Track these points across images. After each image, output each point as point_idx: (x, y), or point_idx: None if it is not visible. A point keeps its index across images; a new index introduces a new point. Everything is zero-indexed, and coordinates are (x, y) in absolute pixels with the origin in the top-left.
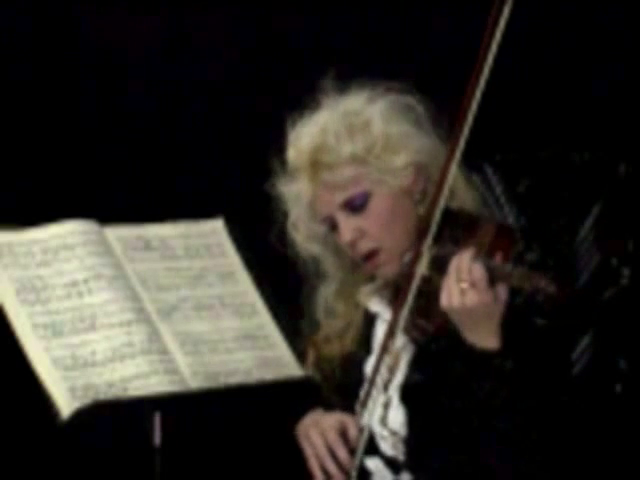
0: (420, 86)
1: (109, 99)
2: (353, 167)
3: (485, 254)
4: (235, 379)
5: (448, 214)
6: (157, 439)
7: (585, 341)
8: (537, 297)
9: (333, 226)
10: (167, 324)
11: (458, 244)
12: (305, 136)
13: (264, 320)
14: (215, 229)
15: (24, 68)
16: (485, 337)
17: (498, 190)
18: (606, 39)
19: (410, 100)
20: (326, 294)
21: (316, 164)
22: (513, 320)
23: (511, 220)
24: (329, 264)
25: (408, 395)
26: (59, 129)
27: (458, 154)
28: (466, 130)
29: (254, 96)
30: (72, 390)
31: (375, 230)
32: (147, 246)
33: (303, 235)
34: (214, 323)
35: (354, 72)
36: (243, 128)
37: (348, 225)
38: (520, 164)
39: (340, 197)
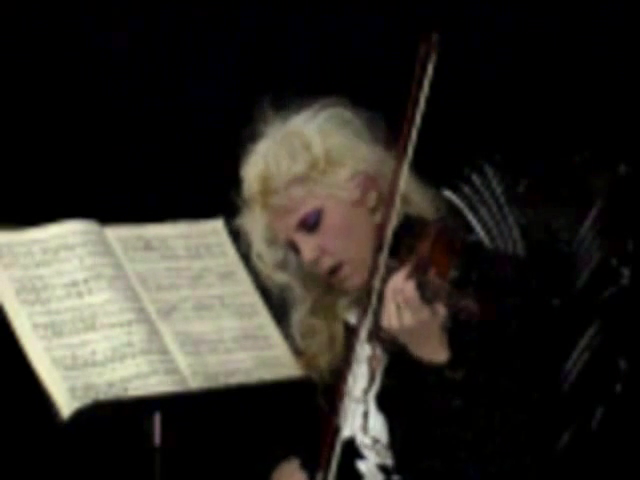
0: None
1: (109, 99)
2: (300, 187)
3: (422, 268)
4: (235, 379)
5: (405, 221)
6: (157, 439)
7: (585, 341)
8: (460, 316)
9: (296, 249)
10: (167, 324)
11: (412, 253)
12: (251, 167)
13: (264, 320)
14: (215, 229)
15: (24, 68)
16: (430, 351)
17: (498, 191)
18: (606, 39)
19: (346, 113)
20: (300, 316)
21: (265, 192)
22: (462, 330)
23: (511, 220)
24: (299, 289)
25: (384, 402)
26: (59, 129)
27: (407, 160)
28: (409, 143)
29: (255, 97)
30: (72, 390)
31: (334, 245)
32: (147, 246)
33: (269, 265)
34: (214, 323)
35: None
36: (244, 128)
37: (307, 245)
38: (520, 164)
39: (294, 219)
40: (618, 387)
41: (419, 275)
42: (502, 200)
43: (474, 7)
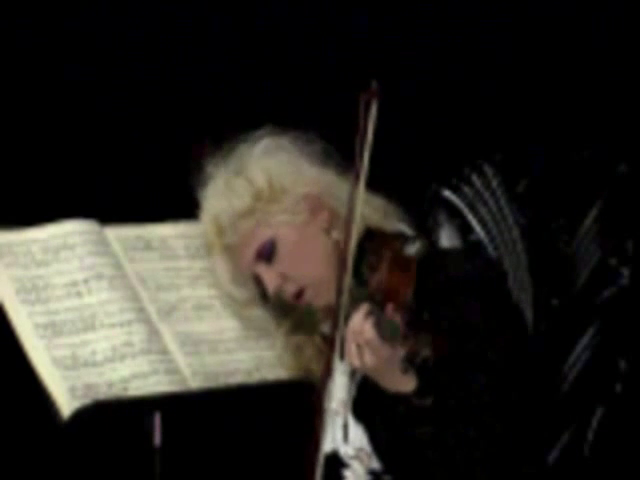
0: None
1: (110, 99)
2: (249, 220)
3: (379, 303)
4: (235, 379)
5: (366, 236)
6: (157, 439)
7: (585, 341)
8: (415, 360)
9: (261, 282)
10: (167, 324)
11: (374, 272)
12: (204, 213)
13: (264, 320)
14: None
15: (23, 68)
16: (396, 383)
17: (498, 191)
18: (606, 39)
19: (280, 139)
20: (280, 338)
21: (219, 232)
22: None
23: (511, 221)
24: (274, 317)
25: (361, 411)
26: (59, 129)
27: (362, 179)
28: (365, 160)
29: (256, 97)
30: (72, 390)
31: (293, 271)
32: (147, 246)
33: (242, 303)
34: (214, 323)
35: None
36: (244, 128)
37: (269, 275)
38: (520, 164)
39: (250, 253)
40: (618, 387)
41: (377, 313)
42: (502, 200)
43: (474, 6)
